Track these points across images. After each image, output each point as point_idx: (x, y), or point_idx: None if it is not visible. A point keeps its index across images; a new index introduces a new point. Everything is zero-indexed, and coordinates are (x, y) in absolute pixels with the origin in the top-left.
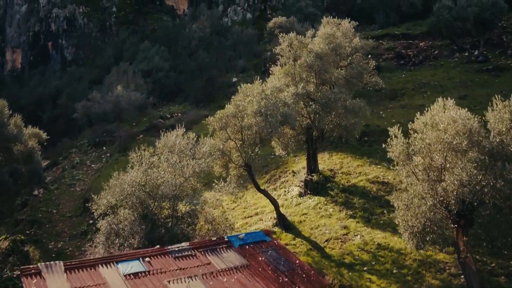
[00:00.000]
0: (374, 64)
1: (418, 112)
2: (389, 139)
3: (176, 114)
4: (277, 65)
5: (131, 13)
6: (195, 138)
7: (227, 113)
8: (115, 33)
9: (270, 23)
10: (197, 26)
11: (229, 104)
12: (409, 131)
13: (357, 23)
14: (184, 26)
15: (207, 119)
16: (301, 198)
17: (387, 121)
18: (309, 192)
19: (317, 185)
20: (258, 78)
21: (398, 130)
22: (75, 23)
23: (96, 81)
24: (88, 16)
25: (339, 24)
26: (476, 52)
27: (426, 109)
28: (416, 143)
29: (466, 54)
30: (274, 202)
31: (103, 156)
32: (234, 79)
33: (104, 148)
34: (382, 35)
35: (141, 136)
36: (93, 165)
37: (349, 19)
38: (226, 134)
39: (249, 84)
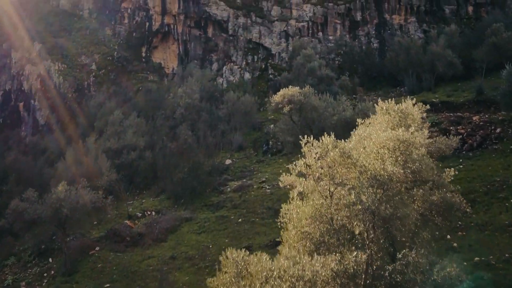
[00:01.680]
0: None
1: None
2: None
3: (149, 212)
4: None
5: (113, 72)
6: None
7: None
8: (94, 94)
9: (277, 97)
10: (183, 91)
11: None
12: None
13: (425, 106)
14: (170, 89)
15: None
16: None
17: (467, 261)
18: None
19: None
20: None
21: None
22: (49, 82)
23: (58, 158)
24: (64, 74)
25: (403, 112)
26: None
27: None
28: None
29: None
30: None
31: (45, 274)
32: (228, 161)
33: (51, 260)
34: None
35: (97, 248)
36: None
37: (363, 80)
38: None
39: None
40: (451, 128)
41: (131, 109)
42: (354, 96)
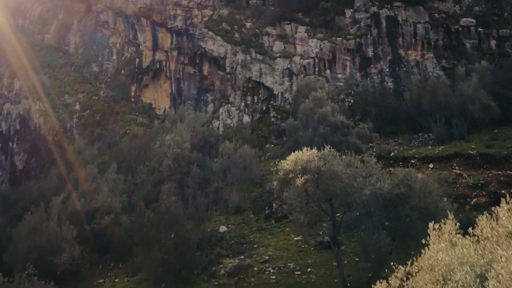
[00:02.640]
0: None
1: None
2: None
3: None
4: None
5: (99, 113)
6: None
7: None
8: (76, 138)
9: (287, 163)
10: (172, 139)
11: None
12: None
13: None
14: (157, 135)
15: None
16: None
17: None
18: None
19: None
20: None
21: None
22: (29, 122)
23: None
24: (45, 115)
25: None
26: None
27: None
28: None
29: None
30: None
31: None
32: (223, 228)
33: None
34: (448, 155)
35: None
36: None
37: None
38: None
39: None
40: (503, 191)
41: (113, 157)
42: (370, 144)
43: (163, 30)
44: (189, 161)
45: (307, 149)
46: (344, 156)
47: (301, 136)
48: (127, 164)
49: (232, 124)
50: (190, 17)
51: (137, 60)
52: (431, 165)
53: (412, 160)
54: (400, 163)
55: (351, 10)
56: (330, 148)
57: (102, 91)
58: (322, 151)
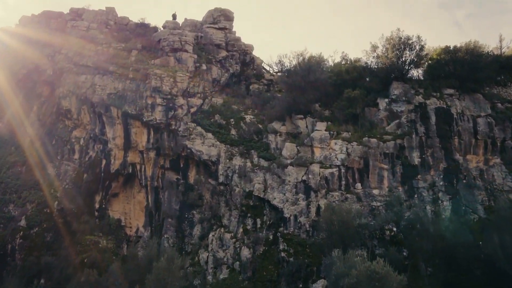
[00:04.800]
0: None
1: None
2: None
3: None
4: None
5: (50, 231)
6: None
7: None
8: (18, 265)
9: None
10: None
11: None
12: None
13: None
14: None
15: None
16: None
17: None
18: None
19: None
20: None
21: None
22: None
23: None
24: None
25: None
26: None
27: None
28: None
29: None
30: None
31: None
32: None
33: None
34: None
35: None
36: None
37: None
38: None
39: None
40: None
41: None
42: None
43: (138, 123)
44: None
45: None
46: None
47: None
48: None
49: (225, 259)
50: (173, 108)
51: (104, 161)
52: None
53: None
54: None
55: (387, 100)
56: None
57: (56, 202)
58: None
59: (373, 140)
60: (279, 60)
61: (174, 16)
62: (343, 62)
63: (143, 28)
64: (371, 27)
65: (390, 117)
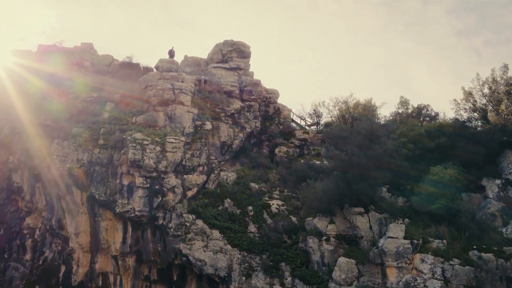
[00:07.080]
0: None
1: None
2: None
3: None
4: None
5: None
6: None
7: None
8: None
9: None
10: None
11: None
12: None
13: None
14: None
15: None
16: None
17: None
18: None
19: None
20: None
21: None
22: None
23: None
24: None
25: None
26: None
27: None
28: None
29: None
30: None
31: None
32: None
33: None
34: None
35: None
36: None
37: None
38: None
39: None
40: None
41: None
42: None
43: (109, 214)
44: None
45: None
46: None
47: None
48: None
49: None
50: (160, 191)
51: (64, 268)
52: None
53: None
54: None
55: (498, 181)
56: None
57: None
58: None
59: (487, 255)
60: (314, 110)
61: (171, 53)
62: (409, 111)
63: (130, 69)
64: (387, 56)
65: (507, 211)
